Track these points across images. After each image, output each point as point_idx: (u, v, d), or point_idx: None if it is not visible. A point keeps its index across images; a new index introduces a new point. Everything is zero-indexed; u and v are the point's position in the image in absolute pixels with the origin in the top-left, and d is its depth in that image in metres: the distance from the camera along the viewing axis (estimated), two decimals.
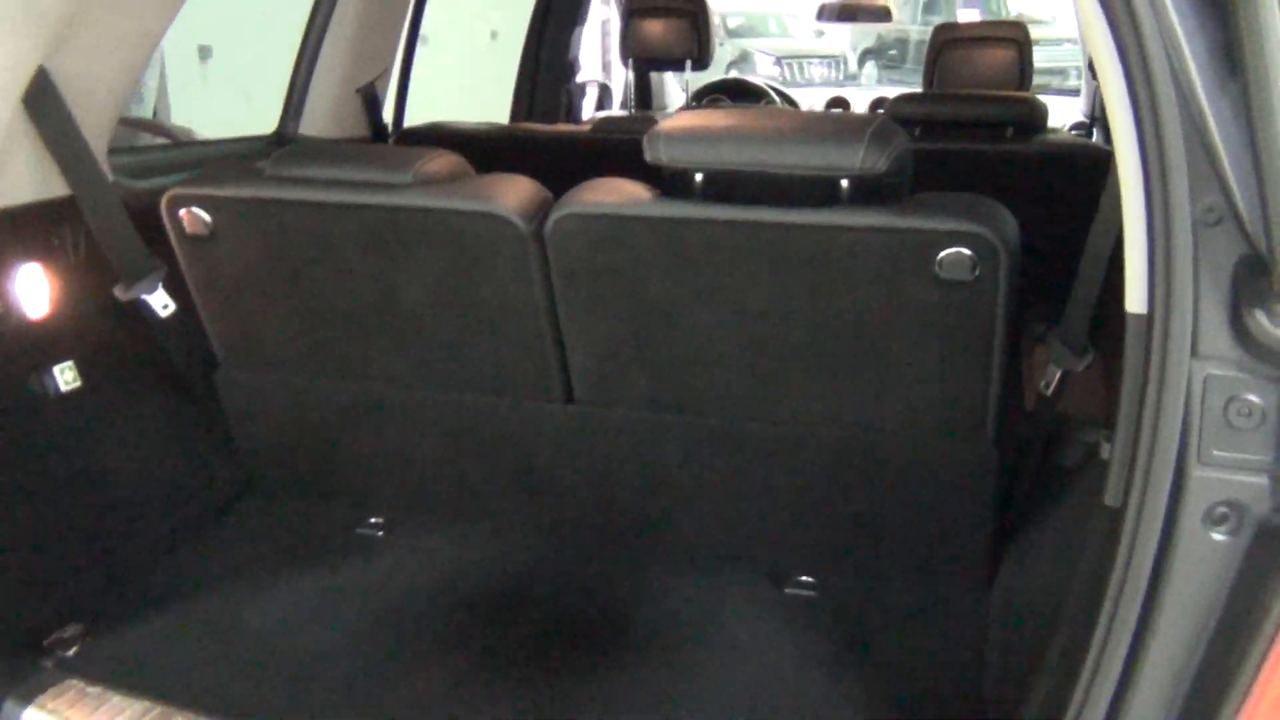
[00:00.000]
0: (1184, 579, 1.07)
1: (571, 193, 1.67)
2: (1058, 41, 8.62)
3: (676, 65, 3.80)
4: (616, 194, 1.65)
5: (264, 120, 2.72)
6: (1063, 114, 4.05)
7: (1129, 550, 1.09)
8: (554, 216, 1.65)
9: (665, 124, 1.60)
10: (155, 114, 10.08)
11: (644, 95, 4.78)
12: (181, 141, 2.93)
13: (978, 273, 1.50)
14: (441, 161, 1.76)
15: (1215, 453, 1.05)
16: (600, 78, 4.93)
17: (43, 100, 1.71)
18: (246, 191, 1.78)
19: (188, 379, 2.05)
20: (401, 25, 2.86)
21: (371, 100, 2.75)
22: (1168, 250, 1.05)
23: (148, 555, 1.92)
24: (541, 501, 1.98)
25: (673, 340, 1.71)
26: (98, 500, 1.88)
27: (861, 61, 17.65)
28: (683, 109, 4.26)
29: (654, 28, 3.66)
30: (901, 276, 1.55)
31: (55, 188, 1.81)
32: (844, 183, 1.53)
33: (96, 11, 1.76)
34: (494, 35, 3.68)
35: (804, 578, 1.86)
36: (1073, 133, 3.90)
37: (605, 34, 5.65)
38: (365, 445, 2.03)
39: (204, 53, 10.56)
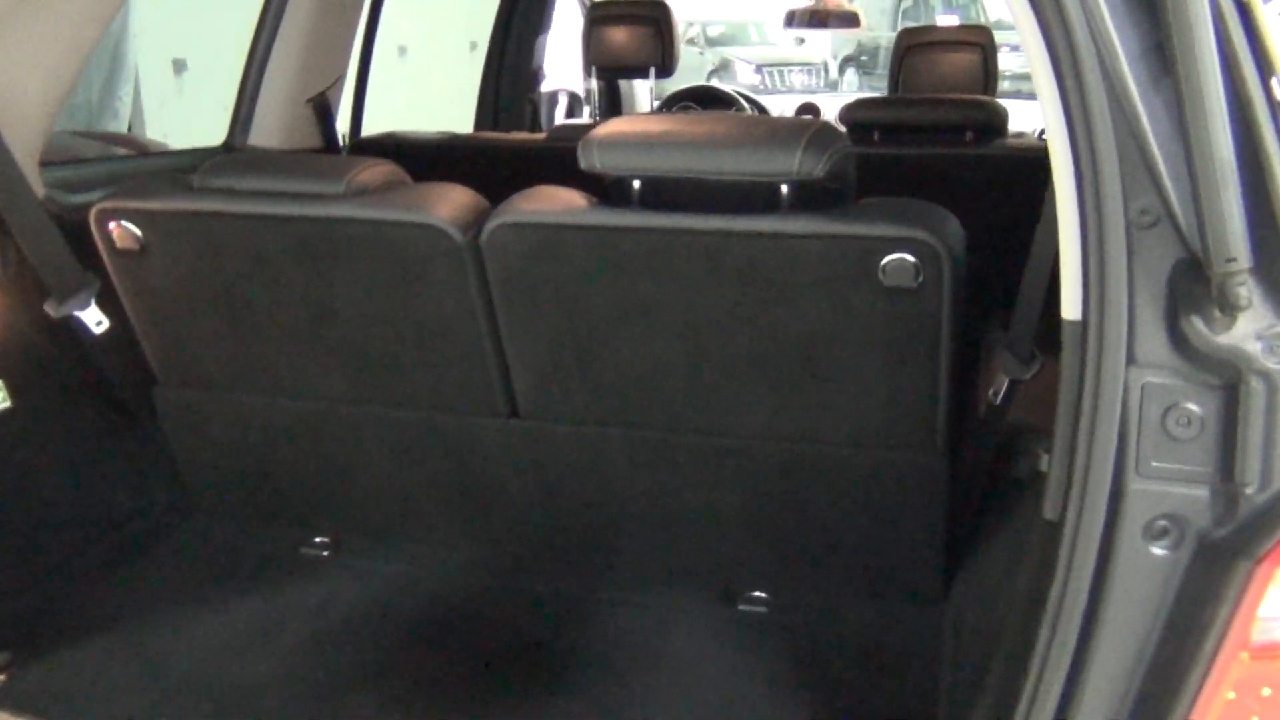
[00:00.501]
0: (1124, 596, 1.03)
1: (507, 202, 1.63)
2: None
3: (640, 73, 3.76)
4: (553, 203, 1.61)
5: None
6: (1037, 119, 4.03)
7: (1068, 566, 1.04)
8: (489, 226, 1.60)
9: (599, 130, 1.55)
10: (130, 128, 10.03)
11: (613, 103, 4.74)
12: (122, 154, 2.88)
13: (921, 279, 1.46)
14: (376, 171, 1.71)
15: (1154, 464, 1.01)
16: (579, 86, 4.90)
17: None
18: (176, 204, 1.72)
19: (123, 398, 1.99)
20: (354, 34, 2.81)
21: (323, 110, 2.70)
22: (1101, 254, 1.01)
23: (81, 579, 1.87)
24: (487, 519, 1.93)
25: (614, 352, 1.66)
26: (28, 523, 1.82)
27: (842, 69, 17.70)
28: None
29: (617, 35, 3.62)
30: (844, 284, 1.50)
31: None
32: (783, 188, 1.48)
33: (18, 24, 1.71)
34: (473, 46, 3.65)
35: (756, 593, 1.81)
36: (1043, 139, 3.87)
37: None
38: (308, 464, 1.98)
39: (179, 66, 10.48)
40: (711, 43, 15.71)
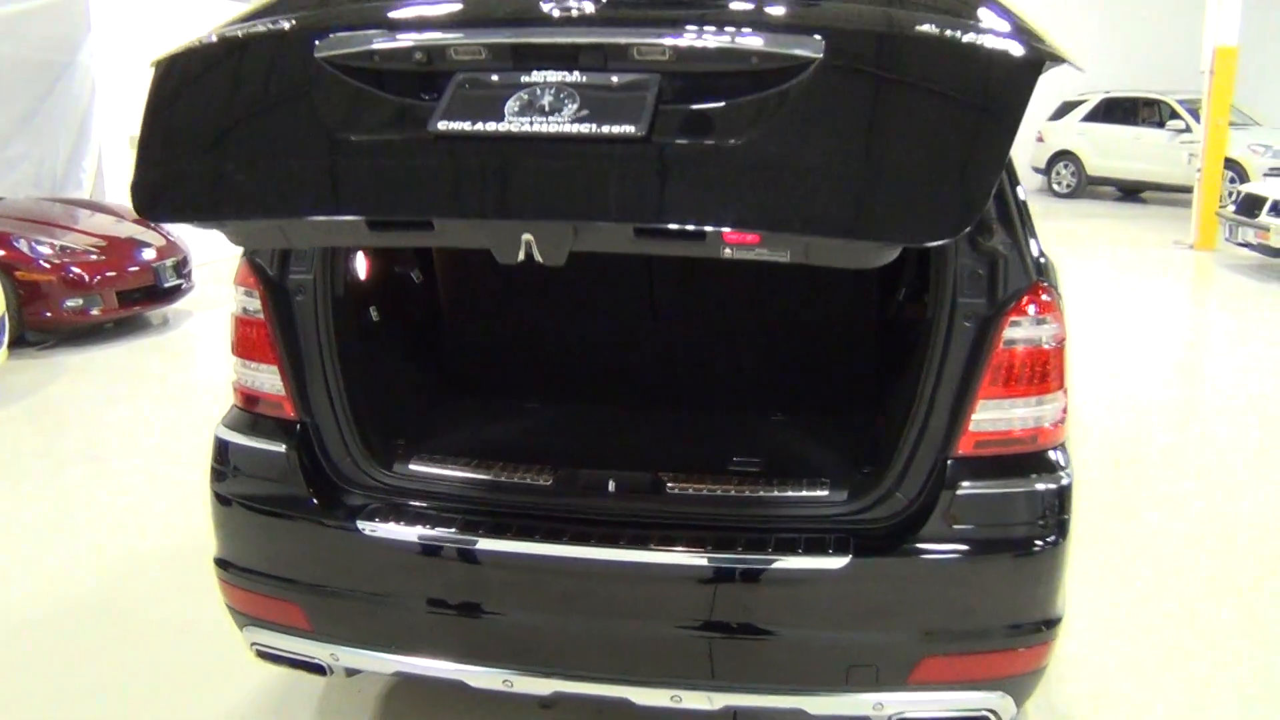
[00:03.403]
0: (958, 340, 2.65)
1: None
2: None
3: None
4: None
5: None
6: None
7: (935, 334, 2.67)
8: None
9: None
10: (91, 195, 11.21)
11: None
12: None
13: None
14: None
15: (967, 292, 2.62)
16: None
17: None
18: None
19: (423, 322, 3.52)
20: None
21: None
22: None
23: (425, 407, 3.35)
24: (634, 375, 3.50)
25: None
26: (395, 382, 3.30)
27: None
28: None
29: None
30: None
31: None
32: None
33: None
34: None
35: (778, 416, 3.44)
36: None
37: None
38: (529, 357, 3.53)
39: (134, 142, 11.72)
40: None
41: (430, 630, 2.73)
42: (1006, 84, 2.10)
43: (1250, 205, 11.79)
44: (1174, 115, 18.51)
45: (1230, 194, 14.71)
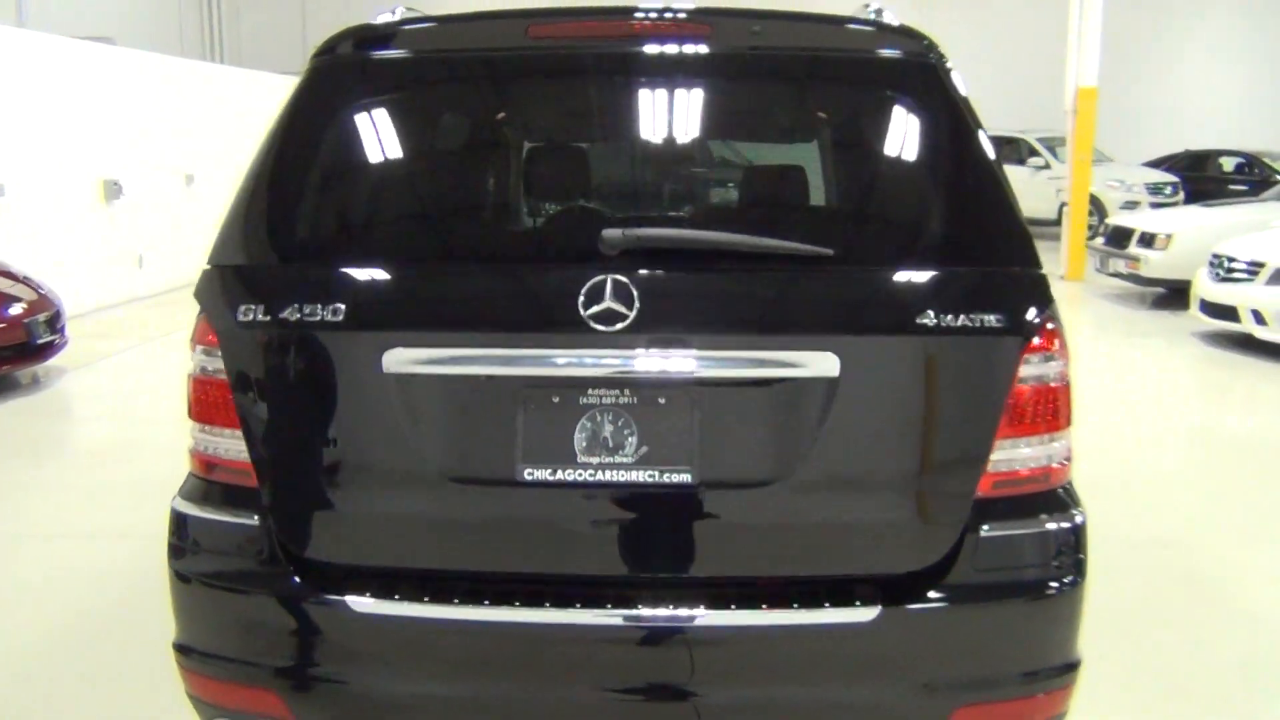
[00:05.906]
0: None
1: None
2: None
3: None
4: None
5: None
6: None
7: None
8: None
9: None
10: None
11: None
12: None
13: None
14: None
15: None
16: None
17: None
18: None
19: None
20: None
21: None
22: None
23: None
24: None
25: None
26: None
27: None
28: None
29: None
30: None
31: None
32: None
33: None
34: None
35: None
36: None
37: None
38: None
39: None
40: None
41: (427, 706, 2.52)
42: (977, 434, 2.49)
43: (1119, 237, 12.38)
44: (1033, 152, 19.37)
45: (1097, 227, 15.43)
